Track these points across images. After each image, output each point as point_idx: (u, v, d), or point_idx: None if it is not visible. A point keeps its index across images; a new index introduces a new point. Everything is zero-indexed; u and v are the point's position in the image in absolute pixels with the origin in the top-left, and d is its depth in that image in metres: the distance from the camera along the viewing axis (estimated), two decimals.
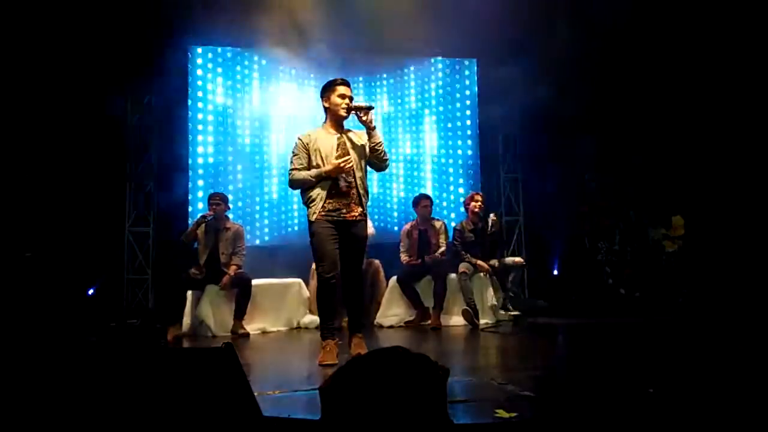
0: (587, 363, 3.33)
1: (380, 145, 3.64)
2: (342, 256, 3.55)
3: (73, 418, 1.44)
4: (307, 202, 3.59)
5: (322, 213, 3.50)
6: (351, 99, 3.66)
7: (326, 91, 3.68)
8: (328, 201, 3.52)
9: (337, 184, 3.54)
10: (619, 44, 6.49)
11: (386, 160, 3.71)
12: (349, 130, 3.74)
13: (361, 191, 3.59)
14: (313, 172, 3.55)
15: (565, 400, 2.37)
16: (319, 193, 3.53)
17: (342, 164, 3.51)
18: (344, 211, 3.53)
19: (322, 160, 3.57)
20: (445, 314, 5.50)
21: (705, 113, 6.72)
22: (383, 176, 6.80)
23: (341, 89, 3.62)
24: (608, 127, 7.37)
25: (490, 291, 5.53)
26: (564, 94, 6.32)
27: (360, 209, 3.58)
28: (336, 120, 3.67)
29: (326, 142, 3.61)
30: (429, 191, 6.61)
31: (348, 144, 3.62)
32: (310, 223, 3.54)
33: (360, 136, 3.69)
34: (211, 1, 5.98)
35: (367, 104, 3.66)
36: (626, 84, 6.84)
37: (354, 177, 3.57)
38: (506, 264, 5.81)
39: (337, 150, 3.59)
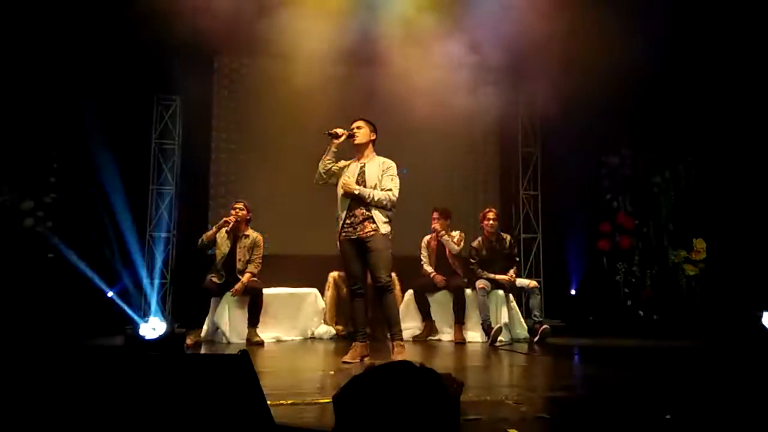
0: (603, 385, 3.29)
1: (366, 200, 3.94)
2: (368, 269, 3.99)
3: (84, 422, 1.46)
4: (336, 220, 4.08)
5: (343, 234, 3.95)
6: (357, 129, 4.05)
7: None
8: (346, 221, 3.94)
9: (354, 206, 3.94)
10: (642, 61, 6.45)
11: (380, 206, 3.94)
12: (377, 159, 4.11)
13: (376, 214, 3.92)
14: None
15: (580, 423, 2.34)
16: (339, 214, 4.00)
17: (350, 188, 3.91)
18: (358, 229, 3.91)
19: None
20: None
21: (730, 134, 6.64)
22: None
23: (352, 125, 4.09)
24: (630, 147, 7.32)
25: (505, 309, 5.50)
26: (586, 112, 6.29)
27: (373, 225, 3.91)
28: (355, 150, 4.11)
29: (351, 168, 4.06)
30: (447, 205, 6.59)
31: (366, 171, 4.01)
32: (338, 241, 4.04)
33: (378, 164, 4.05)
34: (236, 12, 6.09)
35: (330, 131, 4.03)
36: (648, 103, 6.79)
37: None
38: (520, 286, 5.76)
39: (357, 177, 3.99)
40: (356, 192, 3.88)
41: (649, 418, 2.30)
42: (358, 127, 4.04)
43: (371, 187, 3.92)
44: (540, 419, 2.31)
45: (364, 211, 3.91)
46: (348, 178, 3.94)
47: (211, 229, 5.49)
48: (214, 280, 5.27)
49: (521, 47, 6.07)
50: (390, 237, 3.98)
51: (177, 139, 6.72)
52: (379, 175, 3.97)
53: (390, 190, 3.95)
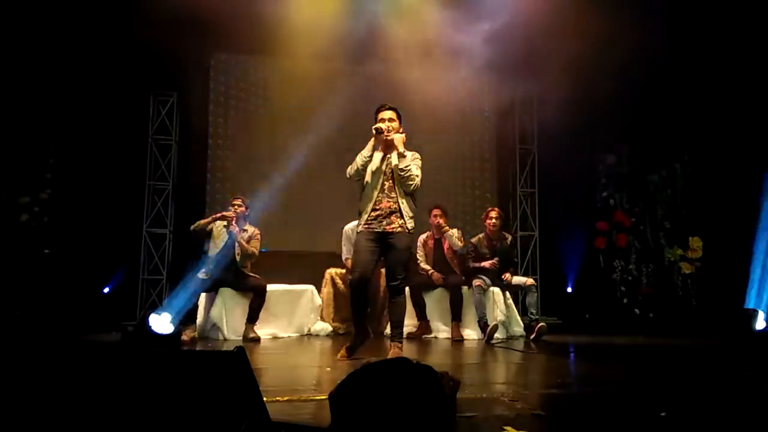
0: (599, 383, 3.29)
1: (398, 167, 3.87)
2: (385, 265, 3.90)
3: (83, 417, 1.46)
4: (358, 214, 3.93)
5: (365, 226, 3.83)
6: (389, 122, 3.92)
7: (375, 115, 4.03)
8: (371, 214, 3.83)
9: (380, 199, 3.85)
10: (638, 61, 6.46)
11: (410, 181, 3.87)
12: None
13: (403, 206, 3.85)
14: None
15: (576, 420, 2.34)
16: (364, 207, 3.87)
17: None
18: (384, 223, 3.81)
19: (371, 176, 3.91)
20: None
21: (726, 133, 6.65)
22: None
23: (380, 114, 3.97)
24: (627, 145, 7.33)
25: (501, 306, 5.50)
26: (583, 110, 6.30)
27: (400, 221, 3.83)
28: (380, 142, 3.96)
29: (375, 160, 3.94)
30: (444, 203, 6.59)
31: (393, 161, 3.90)
32: (357, 232, 3.92)
33: (406, 158, 3.93)
34: (235, 9, 6.08)
35: (377, 126, 3.90)
36: (645, 101, 6.80)
37: (396, 193, 3.86)
38: (517, 284, 5.77)
39: (384, 167, 3.90)
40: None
41: (645, 415, 2.31)
42: (390, 119, 3.94)
43: (397, 178, 3.87)
44: (536, 416, 2.31)
45: (390, 204, 3.85)
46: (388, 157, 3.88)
47: (205, 218, 5.44)
48: (202, 276, 5.25)
49: (519, 45, 6.07)
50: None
51: (174, 135, 6.71)
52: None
53: (417, 175, 3.90)
